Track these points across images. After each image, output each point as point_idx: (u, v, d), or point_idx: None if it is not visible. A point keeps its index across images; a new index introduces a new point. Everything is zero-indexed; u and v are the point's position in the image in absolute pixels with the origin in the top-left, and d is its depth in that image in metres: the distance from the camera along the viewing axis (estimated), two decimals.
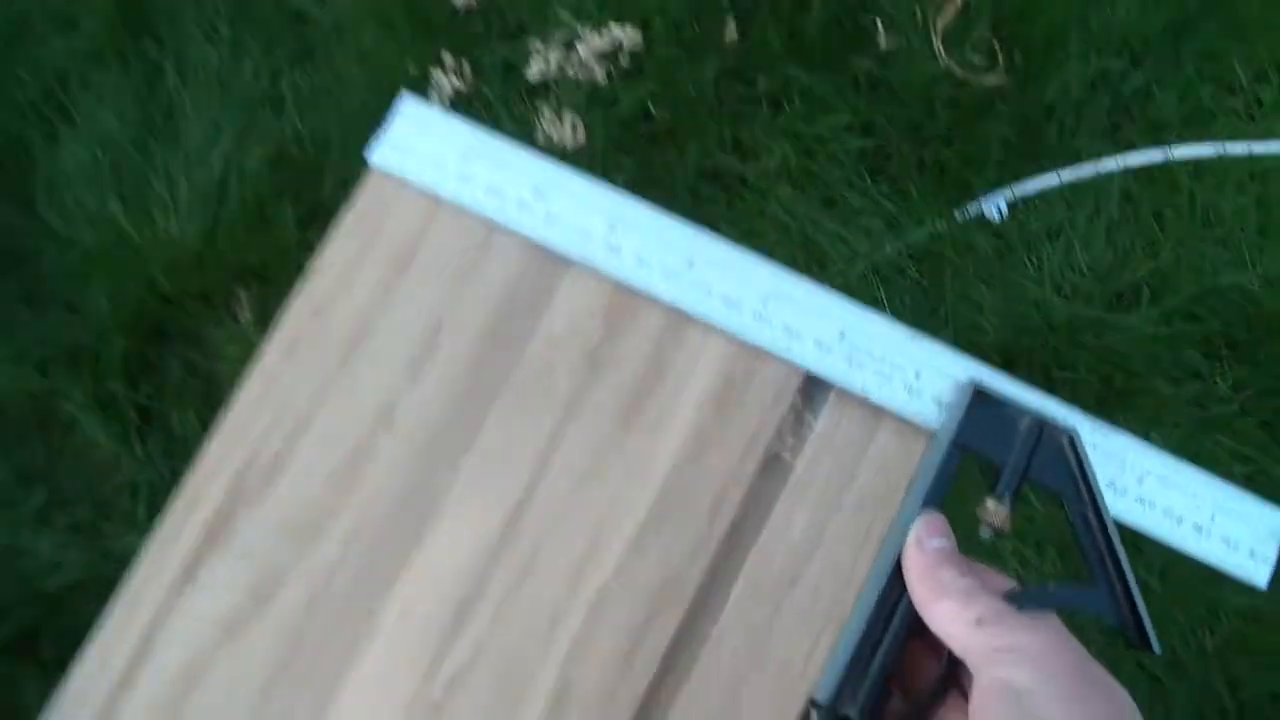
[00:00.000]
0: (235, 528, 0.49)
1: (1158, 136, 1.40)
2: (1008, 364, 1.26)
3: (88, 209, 1.37)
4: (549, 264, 0.52)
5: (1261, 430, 1.29)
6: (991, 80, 1.38)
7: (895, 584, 0.47)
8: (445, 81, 1.35)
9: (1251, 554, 0.50)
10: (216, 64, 1.43)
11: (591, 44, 1.33)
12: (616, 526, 0.49)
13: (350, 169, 1.35)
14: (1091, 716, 0.40)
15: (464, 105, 1.35)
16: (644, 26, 1.38)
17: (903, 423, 0.50)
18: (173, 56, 1.44)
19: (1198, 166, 1.38)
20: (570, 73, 1.31)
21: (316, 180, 1.38)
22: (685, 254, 0.51)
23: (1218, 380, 1.31)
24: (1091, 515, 0.48)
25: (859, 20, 1.42)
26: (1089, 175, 1.36)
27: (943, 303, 1.32)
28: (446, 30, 1.41)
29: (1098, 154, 1.38)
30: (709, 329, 0.51)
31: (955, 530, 0.47)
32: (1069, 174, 1.36)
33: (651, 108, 1.35)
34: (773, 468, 0.50)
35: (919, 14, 1.41)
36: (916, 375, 0.50)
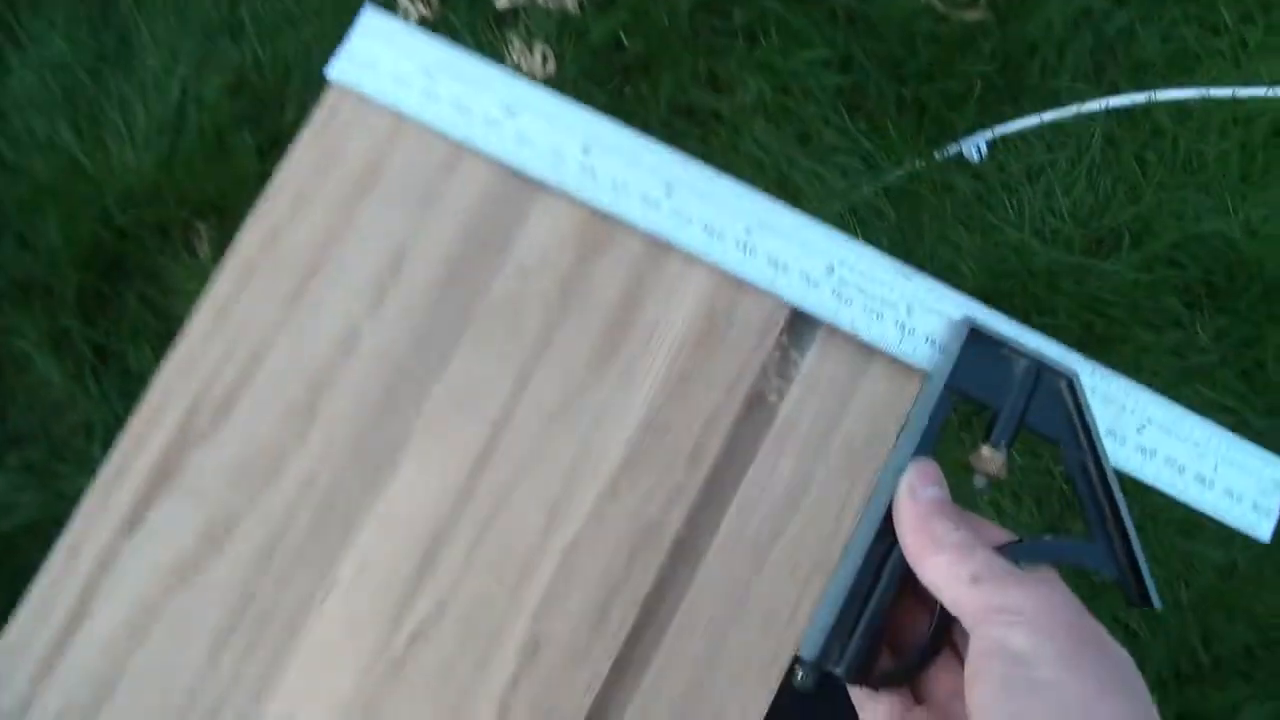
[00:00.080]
0: (185, 468, 0.46)
1: (1141, 78, 1.38)
2: None
3: (38, 137, 1.33)
4: (519, 188, 0.48)
5: (1241, 380, 1.28)
6: (974, 15, 1.35)
7: (885, 535, 0.45)
8: (410, 8, 1.31)
9: (1255, 507, 0.48)
10: None
11: None
12: (590, 471, 0.46)
13: (313, 98, 1.29)
14: (1091, 680, 0.38)
15: (429, 33, 1.30)
16: None
17: (893, 363, 0.48)
18: None
19: (1181, 110, 1.37)
20: (540, 1, 1.27)
21: (278, 109, 1.33)
22: (664, 179, 0.48)
23: (1198, 329, 1.30)
24: (1091, 464, 0.46)
25: None
26: (1071, 116, 1.34)
27: (921, 245, 1.30)
28: None
29: (1080, 95, 1.36)
30: (689, 260, 0.48)
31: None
32: (1050, 115, 1.34)
33: (624, 39, 1.32)
34: (756, 409, 0.48)
35: None
36: (908, 312, 0.47)
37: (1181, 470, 0.48)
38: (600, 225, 0.48)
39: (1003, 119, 1.35)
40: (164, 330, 1.29)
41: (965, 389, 0.46)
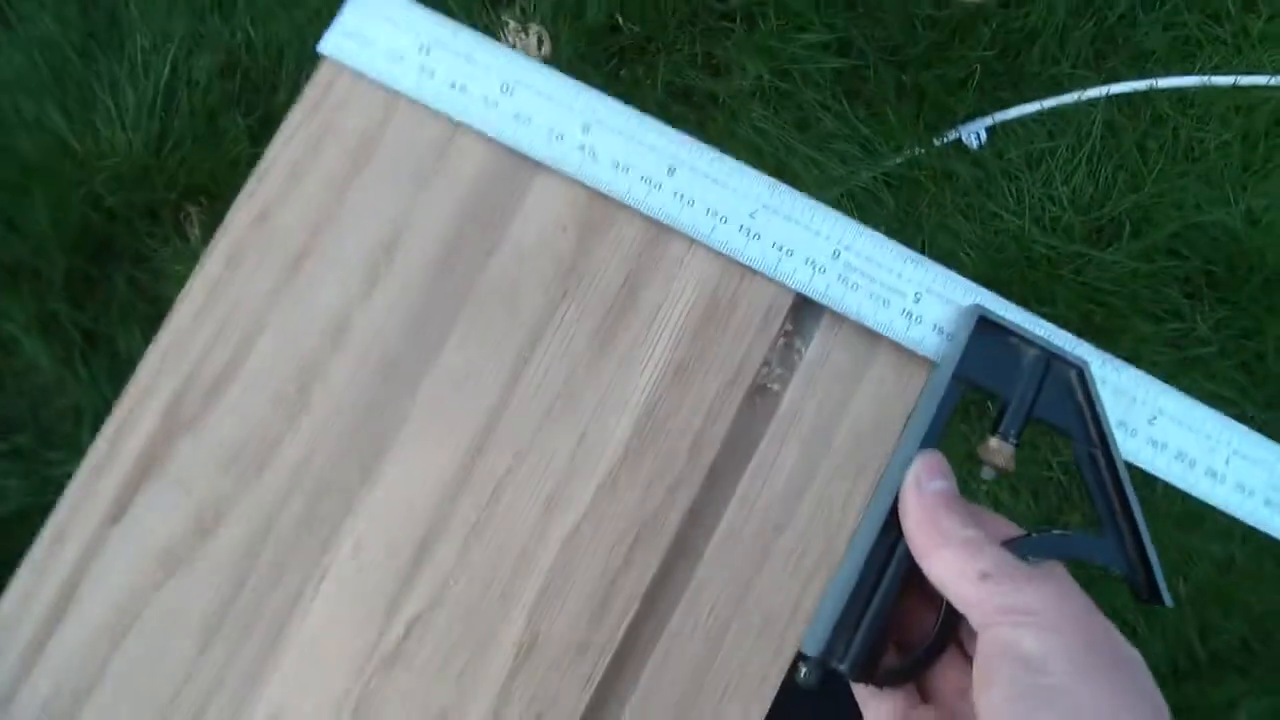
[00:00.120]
0: (172, 455, 0.45)
1: (1142, 65, 1.37)
2: None
3: (26, 118, 1.31)
4: (517, 168, 0.47)
5: (1240, 372, 1.28)
6: (974, 0, 1.34)
7: (891, 528, 0.44)
8: None
9: (1266, 502, 0.47)
10: None
11: None
12: (589, 461, 0.45)
13: (306, 80, 1.28)
14: (1105, 686, 0.37)
15: (425, 7, 1.29)
16: None
17: (900, 352, 0.46)
18: None
19: (1182, 98, 1.36)
20: None
21: (270, 91, 1.32)
22: (667, 159, 0.47)
23: (1198, 320, 1.29)
24: (1101, 456, 0.45)
25: None
26: (1071, 103, 1.33)
27: (920, 232, 1.29)
28: None
29: (1081, 82, 1.35)
30: (692, 244, 0.47)
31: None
32: (1051, 101, 1.33)
33: (620, 20, 1.30)
34: (759, 399, 0.46)
35: None
36: (916, 299, 0.46)
37: (1192, 464, 0.46)
38: (600, 207, 0.47)
39: (1003, 105, 1.34)
40: (154, 314, 1.27)
41: (974, 378, 0.45)
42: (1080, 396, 0.45)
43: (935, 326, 0.46)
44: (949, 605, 0.42)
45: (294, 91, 1.30)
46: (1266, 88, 1.33)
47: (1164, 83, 1.34)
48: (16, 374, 1.28)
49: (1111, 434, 0.44)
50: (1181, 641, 1.21)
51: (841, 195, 1.28)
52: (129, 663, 0.44)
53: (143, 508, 0.45)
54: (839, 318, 0.46)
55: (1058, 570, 0.42)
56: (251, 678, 0.44)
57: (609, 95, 0.47)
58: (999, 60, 1.35)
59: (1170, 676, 1.22)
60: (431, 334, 0.46)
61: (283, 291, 0.46)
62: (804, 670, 0.44)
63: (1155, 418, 0.47)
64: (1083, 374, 0.45)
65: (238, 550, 0.44)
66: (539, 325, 0.46)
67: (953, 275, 0.47)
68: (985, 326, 0.45)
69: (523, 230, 0.46)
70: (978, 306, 0.46)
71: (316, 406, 0.45)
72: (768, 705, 0.44)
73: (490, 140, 0.47)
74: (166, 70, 1.31)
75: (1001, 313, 0.46)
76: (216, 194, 1.29)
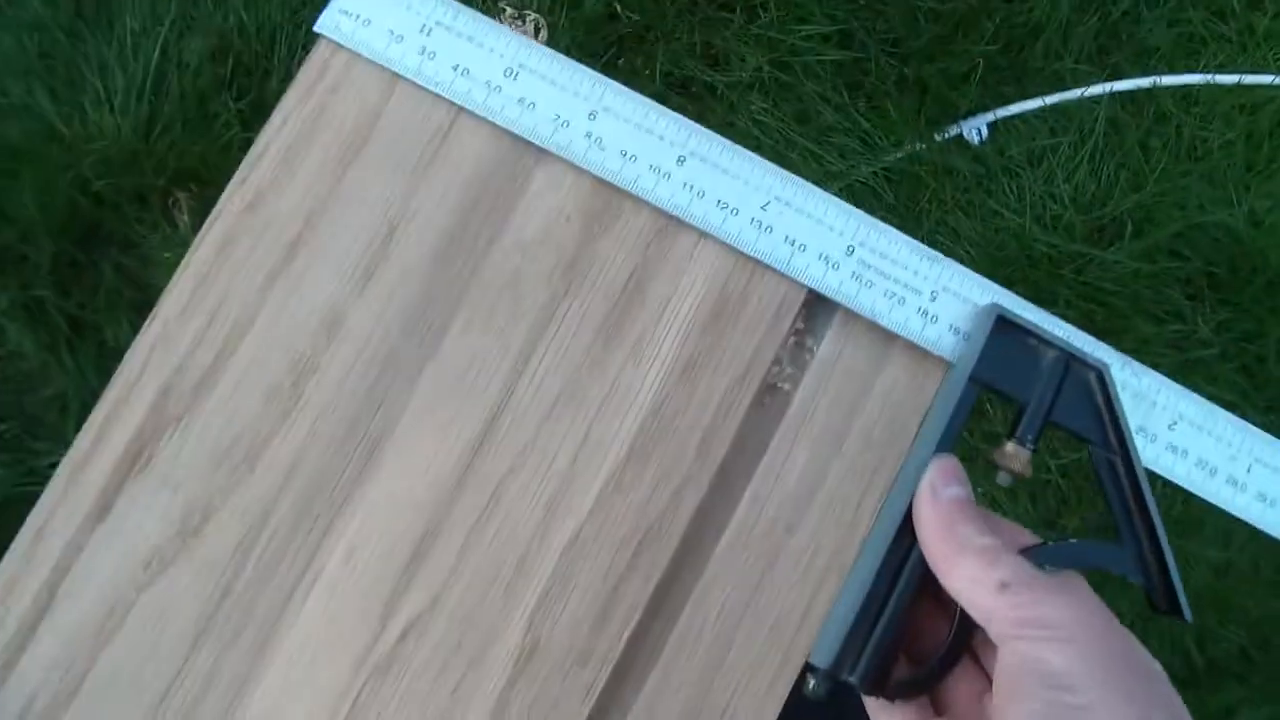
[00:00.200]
0: (158, 452, 0.43)
1: (1146, 62, 1.36)
2: None
3: (13, 100, 1.29)
4: (521, 156, 0.45)
5: (1241, 375, 1.27)
6: None
7: (904, 535, 0.42)
8: None
9: None
10: None
11: None
12: (593, 460, 0.44)
13: (298, 64, 1.26)
14: (1129, 700, 0.36)
15: None
16: None
17: (915, 351, 0.45)
18: None
19: (1186, 95, 1.35)
20: None
21: (262, 76, 1.30)
22: (677, 149, 0.45)
23: (1199, 321, 1.28)
24: (1120, 463, 0.43)
25: None
26: (1074, 99, 1.32)
27: (919, 229, 1.28)
28: None
29: (1083, 78, 1.34)
30: (701, 237, 0.45)
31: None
32: (1054, 98, 1.32)
33: (619, 9, 1.30)
34: (769, 399, 0.45)
35: None
36: (932, 298, 0.45)
37: (1213, 472, 0.45)
38: (607, 197, 0.45)
39: (1005, 101, 1.33)
40: (141, 301, 1.26)
41: (991, 381, 0.44)
42: (1100, 400, 0.44)
43: (951, 326, 0.45)
44: (963, 614, 0.41)
45: (286, 76, 1.29)
46: (1271, 87, 1.33)
47: (1168, 80, 1.32)
48: (1, 361, 1.26)
49: (1132, 440, 0.43)
50: (1179, 648, 1.20)
51: (841, 189, 1.27)
52: (112, 667, 0.42)
53: (128, 505, 0.43)
54: (852, 316, 0.45)
55: (1077, 580, 0.41)
56: (240, 683, 0.42)
57: (626, 84, 0.46)
58: (1002, 55, 1.33)
59: None
60: (430, 327, 0.44)
61: (276, 282, 0.44)
62: (812, 682, 0.43)
63: (1175, 423, 0.46)
64: (1103, 377, 0.44)
65: (227, 550, 0.43)
66: (542, 319, 0.44)
67: (970, 273, 0.45)
68: (1003, 326, 0.44)
69: (526, 220, 0.45)
70: (996, 306, 0.44)
71: (310, 401, 0.44)
72: (775, 716, 0.43)
73: (493, 126, 0.45)
74: (156, 53, 1.29)
75: (1020, 312, 0.44)
76: (207, 179, 1.28)
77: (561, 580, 0.43)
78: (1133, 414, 0.45)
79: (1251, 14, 1.38)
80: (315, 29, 0.46)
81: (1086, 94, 1.32)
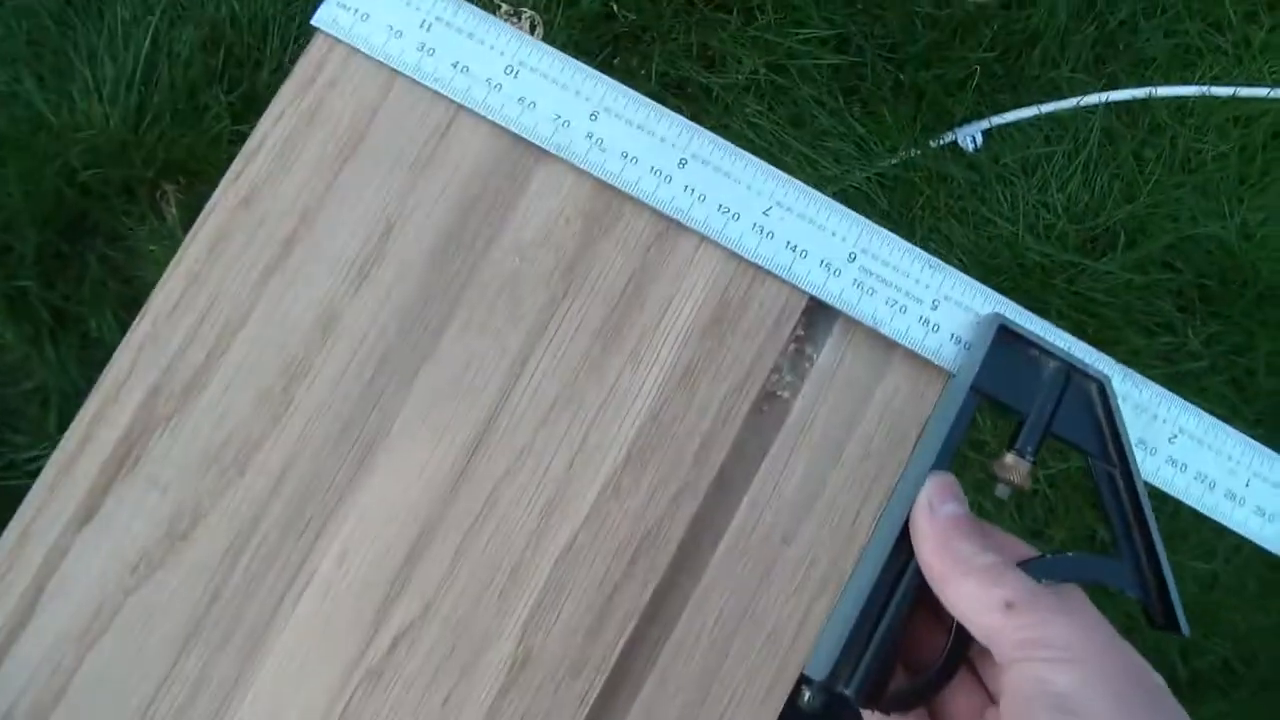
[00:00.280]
0: (147, 453, 0.42)
1: (1142, 73, 1.36)
2: None
3: (0, 87, 1.27)
4: (520, 156, 0.45)
5: (1230, 388, 1.27)
6: (976, 0, 1.32)
7: (902, 546, 0.42)
8: None
9: None
10: None
11: None
12: (590, 466, 0.43)
13: (291, 57, 1.26)
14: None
15: None
16: None
17: (915, 360, 0.45)
18: None
19: (1181, 107, 1.35)
20: None
21: (254, 68, 1.29)
22: (679, 151, 0.44)
23: (1190, 334, 1.28)
24: (1120, 476, 0.43)
25: None
26: (1069, 109, 1.32)
27: (912, 236, 1.27)
28: None
29: (1079, 87, 1.33)
30: (702, 240, 0.44)
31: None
32: (1049, 106, 1.32)
33: (616, 8, 1.29)
34: (768, 406, 0.44)
35: None
36: (934, 306, 0.44)
37: (1212, 486, 0.45)
38: (607, 199, 0.45)
39: (1000, 108, 1.32)
40: (126, 295, 1.24)
41: (992, 391, 0.43)
42: (1100, 412, 0.44)
43: (953, 335, 0.44)
44: (959, 626, 0.40)
45: (279, 68, 1.28)
46: (1266, 100, 1.32)
47: (1163, 91, 1.32)
48: None
49: (1132, 452, 0.43)
50: (1164, 661, 1.20)
51: (835, 195, 1.26)
52: (98, 671, 0.41)
53: (116, 507, 0.42)
54: (852, 323, 0.45)
55: (1079, 596, 0.41)
56: (229, 688, 0.42)
57: (620, 82, 0.45)
58: (999, 62, 1.33)
59: None
60: (426, 329, 0.44)
61: (270, 279, 0.44)
62: (808, 694, 0.42)
63: (1176, 436, 0.45)
64: (1104, 388, 0.43)
65: (216, 553, 0.42)
66: (540, 321, 0.44)
67: (972, 282, 0.45)
68: (1005, 336, 0.44)
69: (525, 221, 0.44)
70: (997, 315, 0.44)
71: (302, 404, 0.43)
72: None
73: (493, 125, 0.45)
74: (147, 42, 1.28)
75: (1021, 322, 0.44)
76: (195, 172, 1.26)
77: (556, 588, 0.42)
78: (1133, 426, 0.44)
79: (1248, 26, 1.38)
80: (313, 23, 0.45)
81: (1082, 103, 1.32)
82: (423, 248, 0.44)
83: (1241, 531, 0.45)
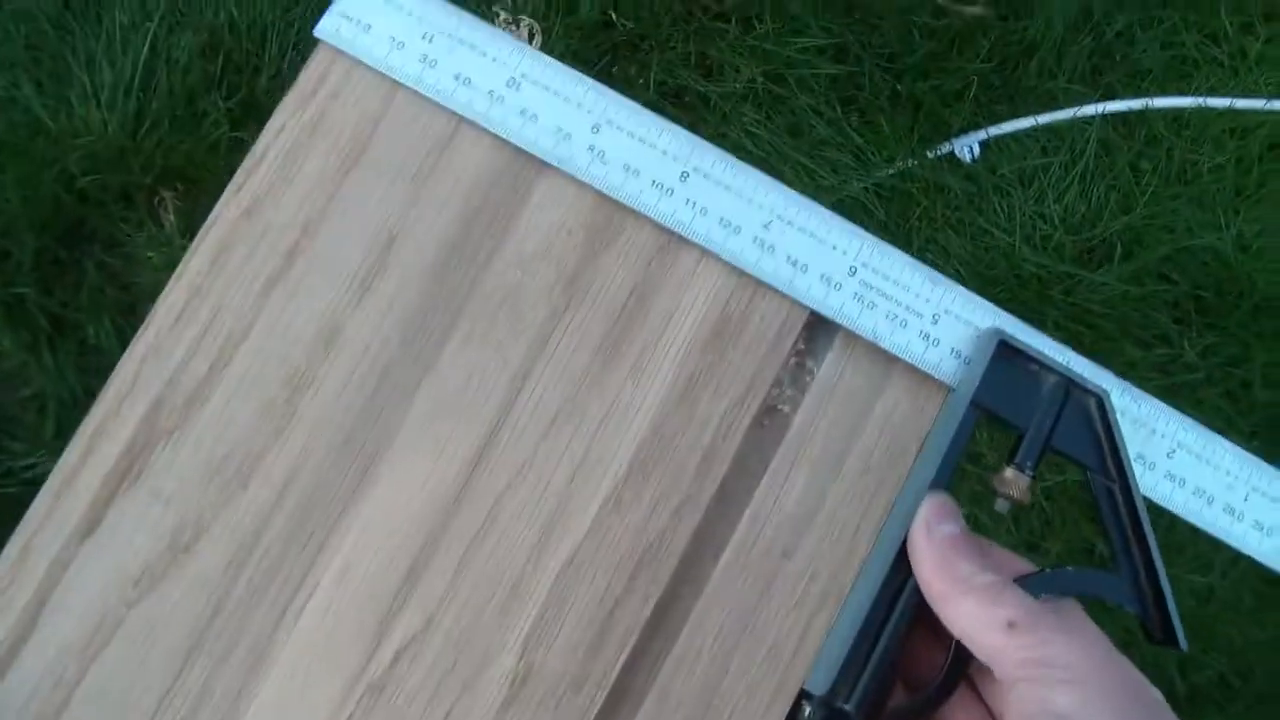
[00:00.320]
0: (150, 465, 0.42)
1: (1138, 84, 1.36)
2: None
3: None
4: (522, 168, 0.45)
5: (1225, 400, 1.27)
6: (974, 10, 1.33)
7: (901, 562, 0.42)
8: None
9: None
10: None
11: None
12: (591, 479, 0.43)
13: (289, 64, 1.26)
14: None
15: None
16: None
17: (915, 375, 0.45)
18: None
19: (1177, 118, 1.35)
20: None
21: (252, 74, 1.28)
22: (680, 164, 0.44)
23: (1186, 345, 1.28)
24: (1118, 490, 0.43)
25: None
26: (1066, 119, 1.32)
27: (909, 246, 1.28)
28: None
29: (1076, 98, 1.33)
30: (703, 254, 0.44)
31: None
32: (1046, 117, 1.32)
33: (614, 16, 1.29)
34: (768, 420, 0.44)
35: None
36: (934, 320, 0.44)
37: (1210, 501, 0.45)
38: (609, 212, 0.45)
39: (997, 119, 1.32)
40: (124, 302, 1.24)
41: (991, 405, 0.43)
42: (1099, 427, 0.44)
43: (953, 350, 0.44)
44: (959, 643, 0.40)
45: (277, 74, 1.27)
46: (1262, 111, 1.33)
47: (1159, 102, 1.32)
48: None
49: (1131, 467, 0.43)
50: (1162, 676, 1.19)
51: (832, 205, 1.26)
52: (100, 683, 0.41)
53: (118, 519, 0.42)
54: (852, 337, 0.44)
55: (1078, 613, 0.41)
56: (232, 701, 0.41)
57: (622, 94, 0.45)
58: (996, 73, 1.33)
59: None
60: (428, 341, 0.43)
61: (272, 291, 0.43)
62: (807, 710, 0.42)
63: (1174, 451, 0.45)
64: (1102, 403, 0.43)
65: (219, 567, 0.42)
66: (542, 334, 0.44)
67: (973, 296, 0.45)
68: (1005, 351, 0.43)
69: (526, 233, 0.44)
70: (997, 330, 0.44)
71: (305, 416, 0.43)
72: None
73: (494, 137, 0.45)
74: (145, 48, 1.27)
75: (1021, 336, 0.44)
76: (194, 178, 1.26)
77: (557, 602, 0.42)
78: (1132, 441, 0.44)
79: (1244, 38, 1.39)
80: (315, 33, 0.45)
81: (1079, 114, 1.32)
82: (425, 260, 0.44)
83: (1240, 547, 0.45)
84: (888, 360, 0.44)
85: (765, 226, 0.44)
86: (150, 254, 1.23)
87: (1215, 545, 0.45)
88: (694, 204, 0.44)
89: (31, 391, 1.22)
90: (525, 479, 0.43)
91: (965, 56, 1.33)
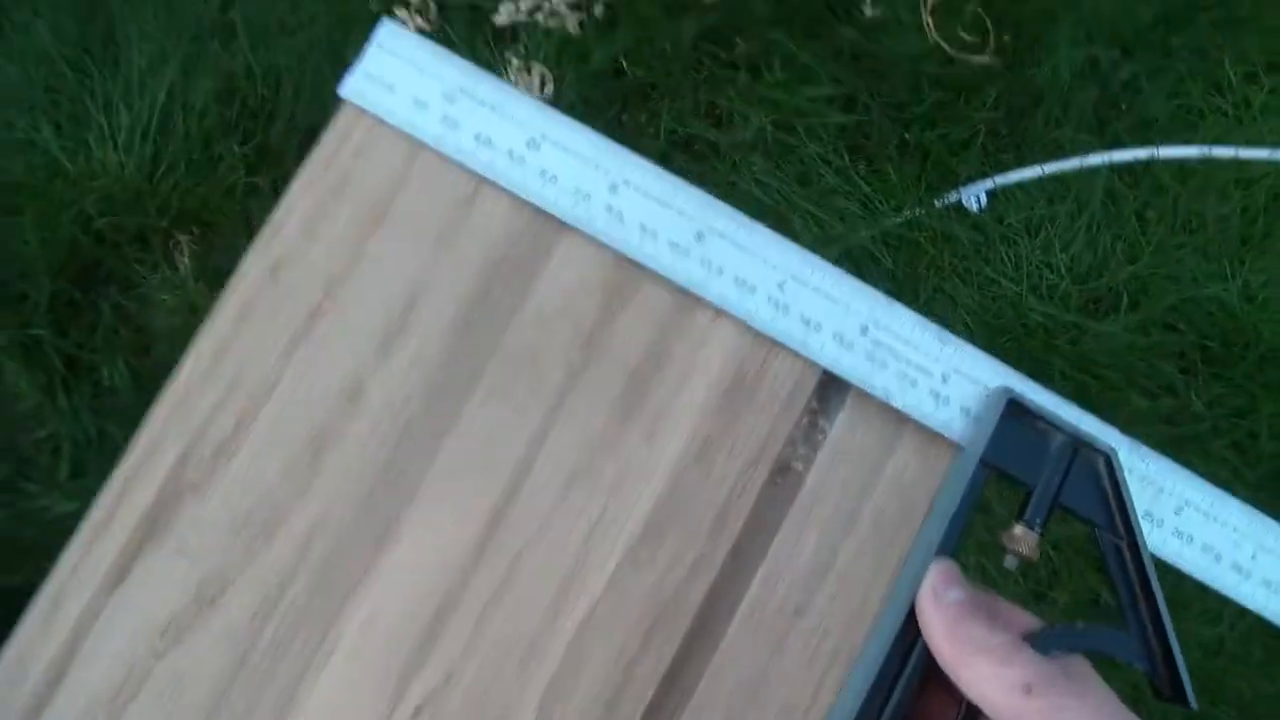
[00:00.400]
0: (175, 521, 0.43)
1: (1144, 133, 1.36)
2: None
3: (17, 133, 1.28)
4: (542, 228, 0.45)
5: (1232, 451, 1.27)
6: (981, 60, 1.34)
7: (912, 620, 0.42)
8: (409, 20, 1.28)
9: None
10: None
11: None
12: (608, 537, 0.44)
13: (304, 110, 1.28)
14: None
15: (451, 52, 1.28)
16: None
17: (925, 433, 0.45)
18: None
19: (1183, 168, 1.35)
20: (541, 20, 1.24)
21: (267, 120, 1.30)
22: (696, 225, 0.45)
23: (1193, 396, 1.28)
24: (1126, 548, 0.43)
25: None
26: (1072, 169, 1.32)
27: (916, 297, 1.28)
28: None
29: (1083, 147, 1.34)
30: (718, 313, 0.45)
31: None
32: (1052, 166, 1.32)
33: (625, 65, 1.30)
34: (781, 479, 0.45)
35: None
36: (944, 379, 0.45)
37: (1218, 558, 0.45)
38: (626, 272, 0.45)
39: (1004, 168, 1.33)
40: (138, 344, 1.25)
41: (1000, 464, 0.44)
42: (1107, 484, 0.44)
43: (963, 408, 0.45)
44: (969, 703, 0.40)
45: (291, 120, 1.28)
46: (1267, 161, 1.33)
47: (1165, 152, 1.33)
48: None
49: (1138, 525, 0.43)
50: None
51: (840, 254, 1.27)
52: None
53: (145, 572, 0.43)
54: (864, 396, 0.45)
55: (1088, 672, 0.41)
56: None
57: (640, 155, 0.46)
58: (1003, 122, 1.34)
59: None
60: (449, 400, 0.44)
61: (295, 351, 0.44)
62: None
63: (1182, 509, 0.46)
64: (1110, 461, 0.44)
65: (244, 621, 0.42)
66: (560, 393, 0.44)
67: (981, 355, 0.46)
68: (1014, 410, 0.44)
69: (547, 293, 0.45)
70: (1006, 389, 0.44)
71: (329, 472, 0.43)
72: None
73: (514, 197, 0.45)
74: (163, 93, 1.29)
75: (1029, 394, 0.44)
76: (209, 222, 1.27)
77: (575, 659, 0.43)
78: (1140, 498, 0.45)
79: (1248, 87, 1.39)
80: (340, 93, 0.46)
81: (1085, 163, 1.32)
82: (446, 319, 0.44)
83: (1249, 605, 0.45)
84: (899, 418, 0.45)
85: (779, 286, 0.45)
86: (165, 296, 1.24)
87: (1224, 599, 0.46)
88: (709, 264, 0.45)
89: (46, 432, 1.22)
90: (544, 537, 0.43)
91: (972, 105, 1.34)
